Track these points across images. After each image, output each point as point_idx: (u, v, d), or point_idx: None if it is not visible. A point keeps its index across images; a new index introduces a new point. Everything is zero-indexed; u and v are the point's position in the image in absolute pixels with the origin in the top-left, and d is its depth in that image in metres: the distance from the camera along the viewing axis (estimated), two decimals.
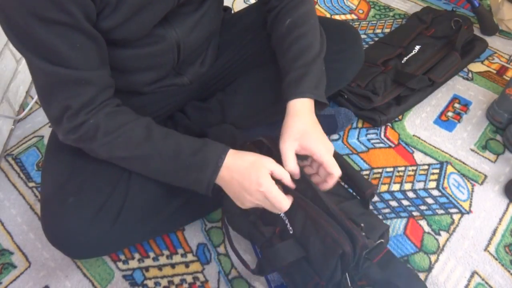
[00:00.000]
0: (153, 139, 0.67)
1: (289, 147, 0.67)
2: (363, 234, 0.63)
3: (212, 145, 0.67)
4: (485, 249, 0.86)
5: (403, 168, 1.00)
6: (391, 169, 1.00)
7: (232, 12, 0.97)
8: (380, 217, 0.91)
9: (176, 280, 0.85)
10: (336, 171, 0.66)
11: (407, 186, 0.97)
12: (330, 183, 0.67)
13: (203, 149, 0.66)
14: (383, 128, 1.09)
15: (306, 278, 0.69)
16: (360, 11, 1.45)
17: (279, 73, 0.89)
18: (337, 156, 0.68)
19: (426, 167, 1.00)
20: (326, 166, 0.66)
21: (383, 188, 0.97)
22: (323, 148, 0.66)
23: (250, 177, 0.63)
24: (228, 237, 0.79)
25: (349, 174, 0.71)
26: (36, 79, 0.63)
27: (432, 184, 0.97)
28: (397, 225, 0.90)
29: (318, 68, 0.75)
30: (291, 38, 0.75)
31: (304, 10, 0.78)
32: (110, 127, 0.65)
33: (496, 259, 0.85)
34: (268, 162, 0.65)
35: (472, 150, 1.03)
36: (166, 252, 0.89)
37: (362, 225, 0.65)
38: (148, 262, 0.88)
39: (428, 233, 0.89)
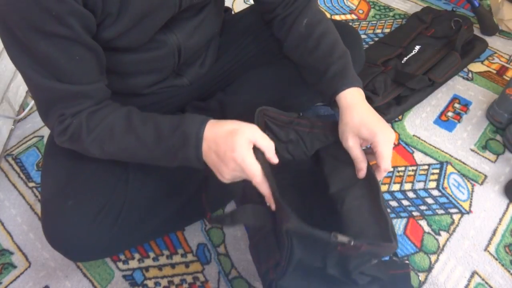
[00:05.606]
0: (133, 128, 0.64)
1: (352, 144, 0.66)
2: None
3: (189, 119, 0.63)
4: (485, 249, 0.86)
5: (403, 168, 1.00)
6: (391, 169, 1.00)
7: (233, 12, 0.97)
8: None
9: (176, 280, 0.85)
10: (384, 164, 0.64)
11: (407, 186, 0.97)
12: (378, 177, 0.66)
13: (181, 125, 0.62)
14: None
15: (269, 253, 0.65)
16: (360, 11, 1.45)
17: (279, 73, 0.89)
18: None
19: (426, 167, 1.00)
20: (377, 156, 0.64)
21: (383, 188, 0.97)
22: (381, 138, 0.64)
23: (226, 144, 0.58)
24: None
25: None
26: (34, 94, 0.64)
27: (432, 184, 0.97)
28: (397, 225, 0.90)
29: (351, 60, 0.75)
30: (316, 35, 0.75)
31: (315, 9, 0.79)
32: (91, 125, 0.64)
33: (496, 259, 0.85)
34: (249, 131, 0.60)
35: (472, 150, 1.03)
36: (166, 252, 0.89)
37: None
38: (148, 262, 0.88)
39: (428, 233, 0.89)
